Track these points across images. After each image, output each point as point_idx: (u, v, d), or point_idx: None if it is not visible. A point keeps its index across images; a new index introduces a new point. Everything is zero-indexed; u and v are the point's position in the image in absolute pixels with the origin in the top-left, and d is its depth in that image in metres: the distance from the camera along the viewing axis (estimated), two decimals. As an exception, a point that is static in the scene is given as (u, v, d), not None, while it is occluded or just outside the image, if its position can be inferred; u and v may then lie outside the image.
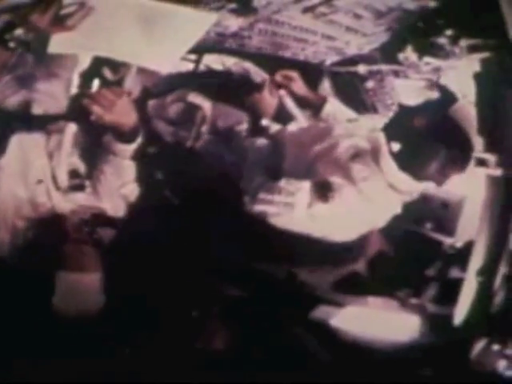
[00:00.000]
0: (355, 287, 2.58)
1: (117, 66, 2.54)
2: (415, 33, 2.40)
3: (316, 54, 3.01)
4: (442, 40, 2.25)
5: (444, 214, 2.79)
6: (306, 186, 2.33)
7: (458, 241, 2.78)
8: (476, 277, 2.08)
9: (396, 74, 3.15)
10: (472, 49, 2.08)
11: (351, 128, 2.62)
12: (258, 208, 2.39)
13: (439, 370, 2.05)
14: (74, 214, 2.23)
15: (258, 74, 3.29)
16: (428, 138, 2.24)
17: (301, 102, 2.91)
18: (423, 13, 2.28)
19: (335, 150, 2.46)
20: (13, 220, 2.18)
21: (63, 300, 2.04)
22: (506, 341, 2.03)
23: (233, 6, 2.12)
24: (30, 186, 2.19)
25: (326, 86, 3.38)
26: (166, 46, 2.02)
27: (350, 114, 2.89)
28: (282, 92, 2.87)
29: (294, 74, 2.86)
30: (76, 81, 2.37)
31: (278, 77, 2.86)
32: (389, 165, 2.31)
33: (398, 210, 2.45)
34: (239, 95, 3.02)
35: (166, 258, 2.46)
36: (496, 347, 2.03)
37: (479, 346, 2.04)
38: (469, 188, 2.61)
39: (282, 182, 2.36)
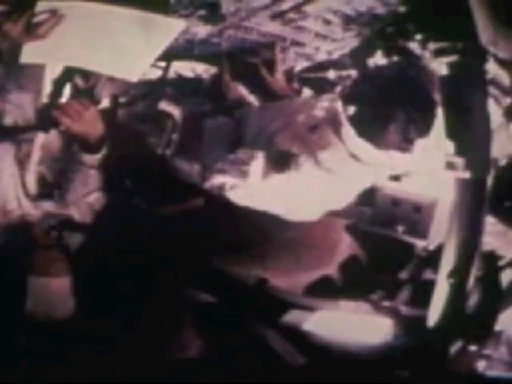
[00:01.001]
0: (327, 291, 2.56)
1: (88, 74, 2.59)
2: (385, 37, 2.40)
3: (285, 60, 3.01)
4: (412, 44, 2.25)
5: (416, 217, 2.79)
6: (260, 154, 2.31)
7: (430, 243, 2.78)
8: (447, 279, 2.08)
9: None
10: (439, 52, 2.07)
11: (312, 101, 2.55)
12: (216, 180, 2.38)
13: (416, 371, 2.06)
14: (42, 220, 2.28)
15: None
16: (384, 98, 2.15)
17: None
18: (393, 17, 2.30)
19: (294, 122, 2.42)
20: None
21: (34, 304, 2.09)
22: (483, 341, 2.05)
23: (201, 12, 2.13)
24: (1, 193, 2.20)
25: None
26: (135, 54, 2.02)
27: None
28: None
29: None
30: (48, 89, 2.43)
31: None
32: (348, 132, 2.21)
33: (367, 184, 2.39)
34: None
35: (136, 263, 2.44)
36: (473, 348, 2.05)
37: (456, 347, 2.04)
38: (441, 191, 2.62)
39: (239, 153, 2.36)
